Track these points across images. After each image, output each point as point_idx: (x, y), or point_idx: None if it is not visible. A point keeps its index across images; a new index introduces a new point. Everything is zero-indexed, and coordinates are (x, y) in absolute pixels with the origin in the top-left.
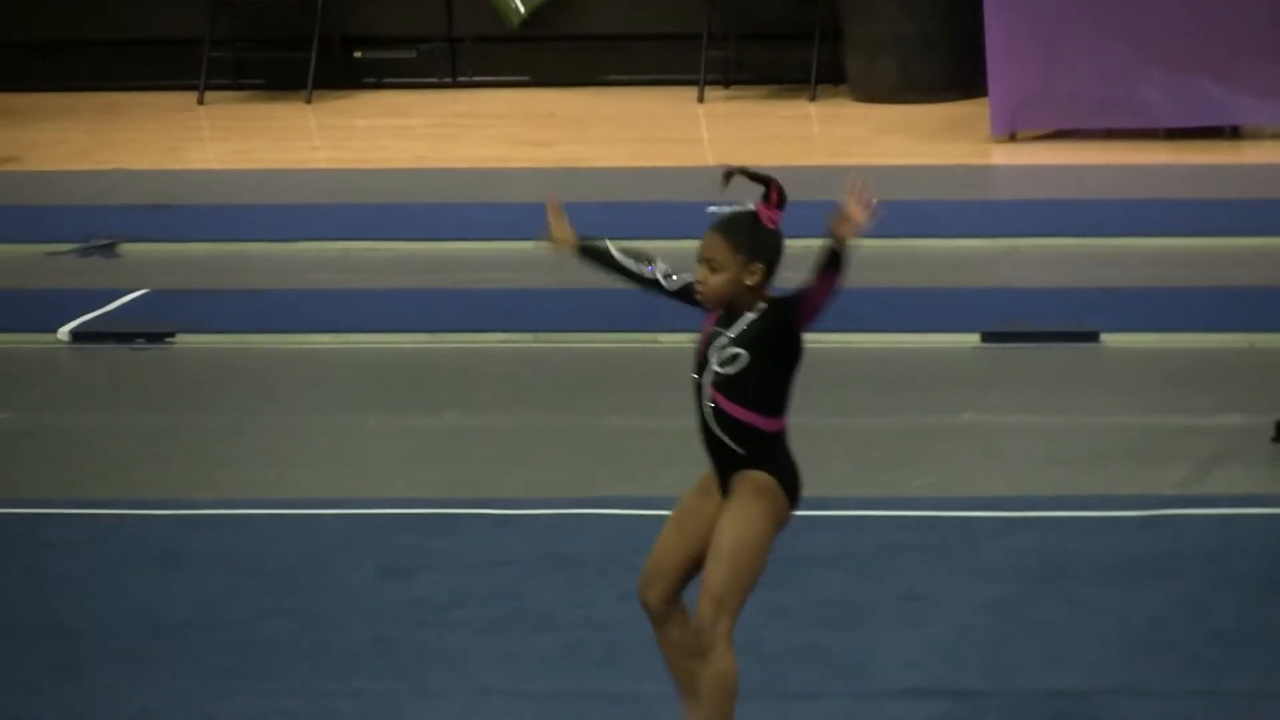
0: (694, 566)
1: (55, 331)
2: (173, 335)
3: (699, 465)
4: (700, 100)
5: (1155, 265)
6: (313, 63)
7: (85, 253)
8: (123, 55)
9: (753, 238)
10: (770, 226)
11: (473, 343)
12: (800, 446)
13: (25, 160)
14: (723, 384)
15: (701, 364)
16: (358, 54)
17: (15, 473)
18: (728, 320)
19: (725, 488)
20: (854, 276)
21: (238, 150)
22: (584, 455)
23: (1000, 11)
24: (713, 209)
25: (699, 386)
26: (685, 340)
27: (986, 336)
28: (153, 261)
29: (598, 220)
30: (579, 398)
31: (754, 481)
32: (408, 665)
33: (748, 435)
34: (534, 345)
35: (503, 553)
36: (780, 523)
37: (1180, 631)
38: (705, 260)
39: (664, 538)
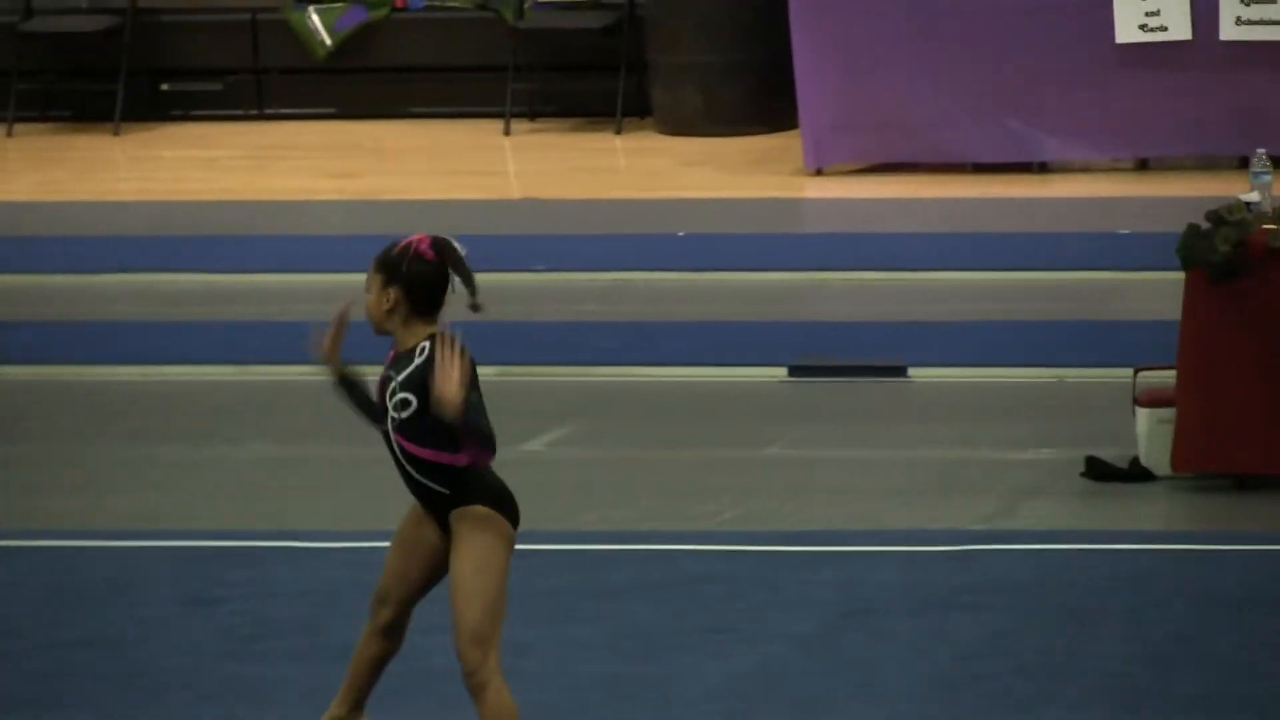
0: (421, 590)
1: None
2: None
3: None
4: (506, 133)
5: (964, 299)
6: (120, 95)
7: None
8: None
9: (391, 261)
10: (425, 257)
11: (278, 375)
12: (607, 477)
13: None
14: (402, 428)
15: (383, 410)
16: (164, 86)
17: None
18: (397, 363)
19: (442, 525)
20: (661, 309)
21: (44, 182)
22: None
23: (808, 44)
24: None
25: (386, 434)
26: (527, 373)
27: (794, 370)
28: None
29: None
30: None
31: (472, 517)
32: (215, 695)
33: (444, 473)
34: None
35: (306, 583)
36: (509, 545)
37: (988, 664)
38: (367, 285)
39: (391, 565)
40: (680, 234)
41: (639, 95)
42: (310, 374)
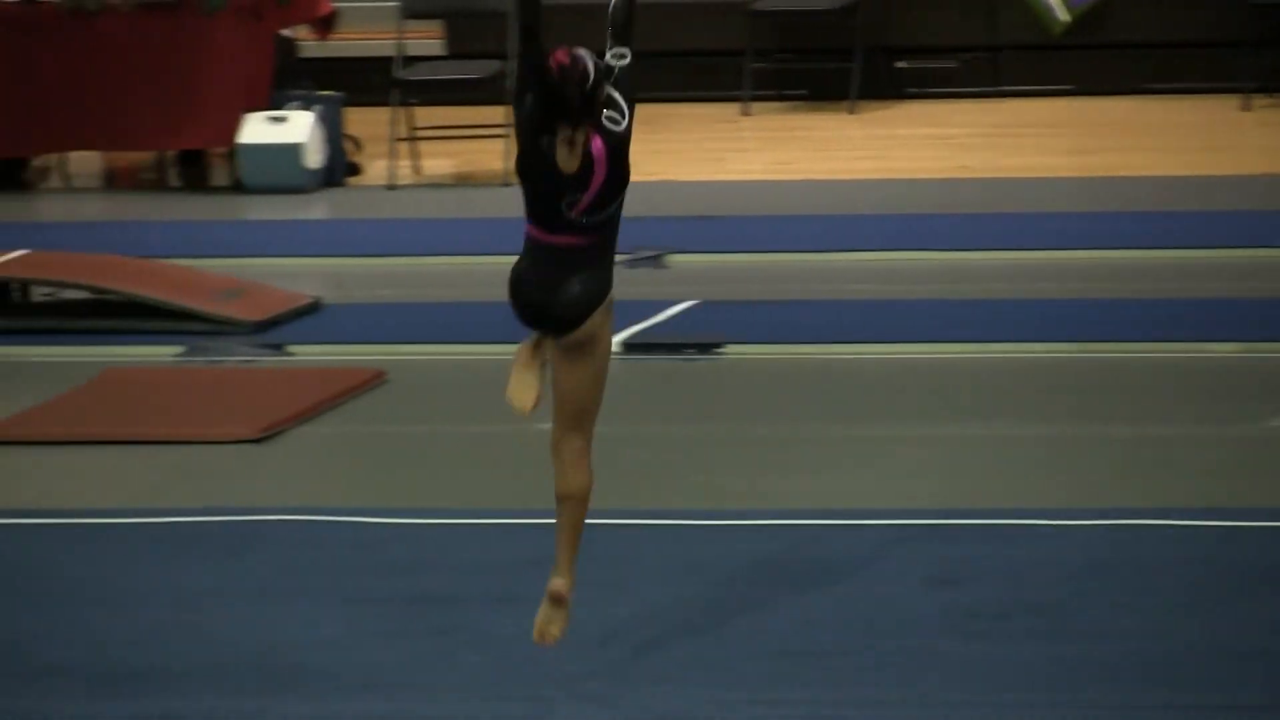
0: None
1: None
2: (721, 346)
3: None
4: (1245, 109)
5: None
6: (855, 73)
7: (633, 264)
8: (669, 67)
9: None
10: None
11: (1014, 353)
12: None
13: None
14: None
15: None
16: (900, 64)
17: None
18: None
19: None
20: None
21: (780, 161)
22: (1127, 465)
23: None
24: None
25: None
26: (1235, 350)
27: None
28: (700, 272)
29: (1133, 230)
30: (1123, 408)
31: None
32: (959, 675)
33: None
34: (1076, 355)
35: (1048, 563)
36: None
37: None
38: None
39: None
40: None
41: None
42: (1050, 353)
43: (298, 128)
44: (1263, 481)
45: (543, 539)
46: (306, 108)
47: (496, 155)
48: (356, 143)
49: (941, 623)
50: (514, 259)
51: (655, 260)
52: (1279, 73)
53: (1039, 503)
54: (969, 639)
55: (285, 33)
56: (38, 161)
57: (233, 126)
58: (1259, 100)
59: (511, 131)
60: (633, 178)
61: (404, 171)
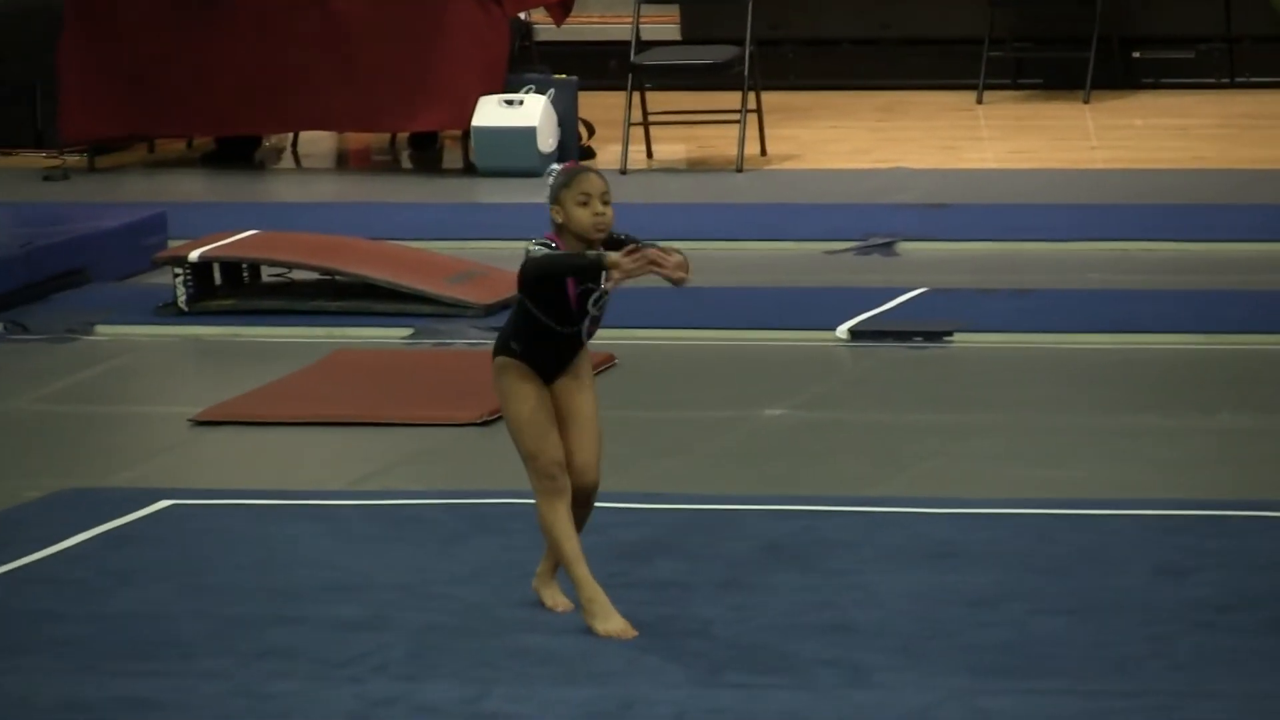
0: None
1: (834, 329)
2: (950, 334)
3: None
4: None
5: None
6: (1091, 62)
7: (864, 251)
8: (904, 54)
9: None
10: None
11: (1247, 344)
12: None
13: (806, 158)
14: (595, 320)
15: (581, 314)
16: (1136, 54)
17: (796, 469)
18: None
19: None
20: None
21: (1016, 150)
22: None
23: None
24: (554, 167)
25: (569, 332)
26: None
27: None
28: (930, 260)
29: None
30: None
31: (588, 355)
32: (1185, 667)
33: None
34: None
35: (1278, 555)
36: None
37: None
38: (602, 196)
39: (552, 438)
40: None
41: None
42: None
43: (531, 111)
44: None
45: (771, 524)
46: (541, 91)
47: (730, 141)
48: (590, 127)
49: (1173, 613)
50: (747, 243)
51: (887, 248)
52: None
53: (1269, 494)
54: (1199, 629)
55: (521, 16)
56: (270, 141)
57: (467, 109)
58: None
59: (743, 117)
60: (863, 165)
61: (637, 156)
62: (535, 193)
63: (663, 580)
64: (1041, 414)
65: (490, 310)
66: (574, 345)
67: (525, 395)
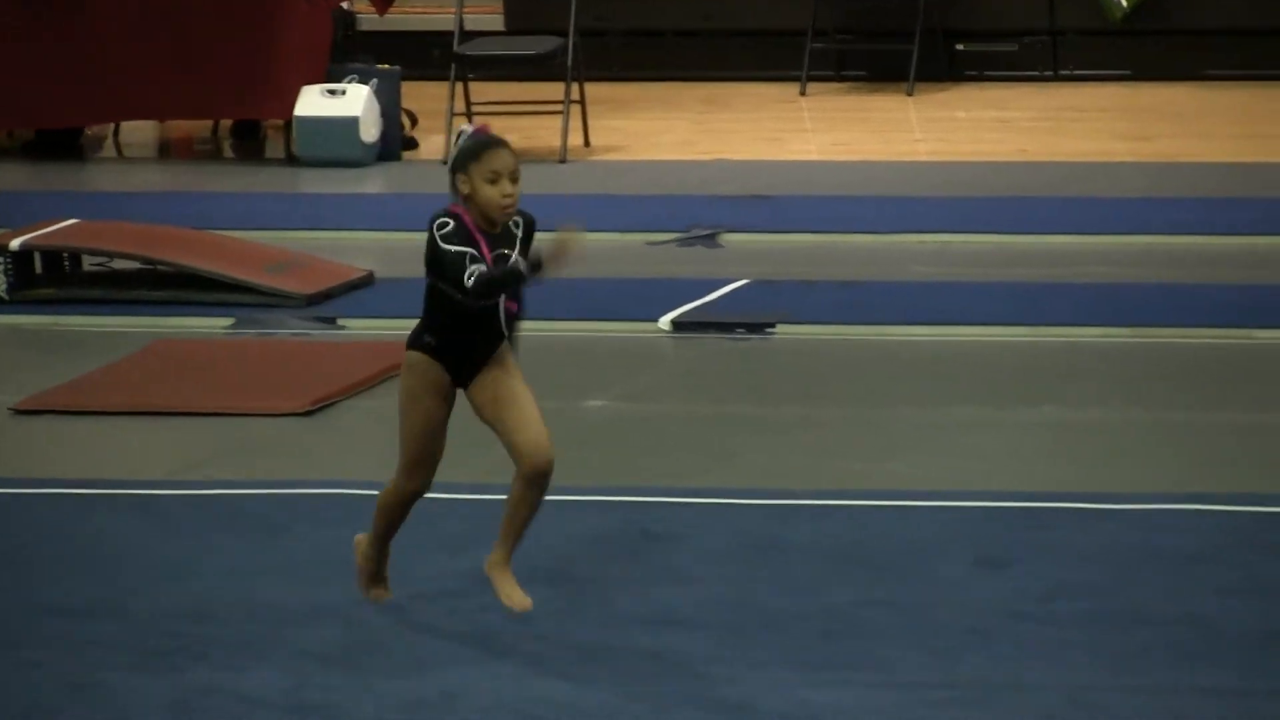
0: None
1: (657, 320)
2: (773, 326)
3: None
4: None
5: None
6: (915, 55)
7: (687, 242)
8: (728, 46)
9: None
10: None
11: (1070, 336)
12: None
13: (629, 149)
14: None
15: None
16: (960, 46)
17: (614, 460)
18: (501, 241)
19: (462, 381)
20: None
21: (839, 142)
22: (1180, 451)
23: None
24: (465, 128)
25: (493, 307)
26: None
27: None
28: (754, 252)
29: (1189, 217)
30: (1178, 393)
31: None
32: (1005, 658)
33: (517, 317)
34: (1132, 340)
35: (1095, 547)
36: None
37: None
38: (512, 175)
39: (426, 445)
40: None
41: None
42: (1106, 337)
43: (354, 101)
44: None
45: (593, 516)
46: (364, 81)
47: (554, 132)
48: (413, 117)
49: (992, 605)
50: (573, 233)
51: (709, 239)
52: None
53: (1089, 486)
54: (1018, 621)
55: (344, 5)
56: (91, 131)
57: (289, 99)
58: None
59: (566, 108)
60: (686, 157)
61: None
62: (358, 184)
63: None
64: (864, 406)
65: (312, 300)
66: (492, 330)
67: (421, 410)
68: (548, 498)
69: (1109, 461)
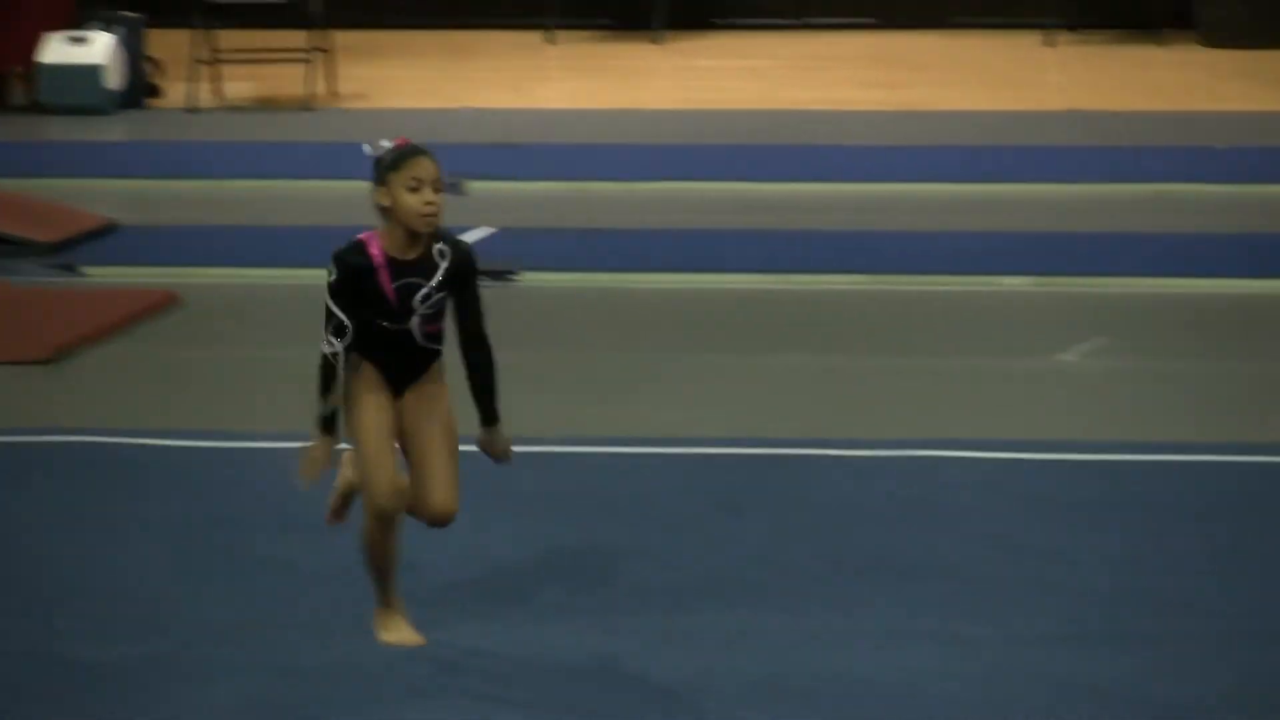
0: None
1: None
2: (515, 273)
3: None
4: (1050, 45)
5: None
6: (664, 4)
7: None
8: None
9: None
10: None
11: (809, 284)
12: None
13: (375, 97)
14: (429, 319)
15: (405, 313)
16: None
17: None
18: (418, 270)
19: (399, 393)
20: (1200, 222)
21: (586, 89)
22: (929, 396)
23: None
24: (367, 149)
25: (398, 332)
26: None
27: None
28: (499, 200)
29: (944, 162)
30: (918, 339)
31: (438, 371)
32: (741, 603)
33: (440, 338)
34: (872, 286)
35: (833, 493)
36: None
37: None
38: (434, 183)
39: (390, 460)
40: (1220, 147)
41: (1177, 5)
42: (850, 284)
43: (98, 49)
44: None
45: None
46: (107, 29)
47: (297, 80)
48: (157, 65)
49: (731, 550)
50: (317, 182)
51: (454, 187)
52: (1082, 11)
53: (811, 432)
54: (756, 565)
55: None
56: None
57: (32, 46)
58: (1062, 37)
59: (312, 56)
60: (432, 105)
61: (205, 95)
62: (101, 131)
63: (220, 516)
64: (607, 353)
65: (54, 248)
66: (411, 349)
67: (366, 404)
68: (272, 445)
69: (852, 407)
